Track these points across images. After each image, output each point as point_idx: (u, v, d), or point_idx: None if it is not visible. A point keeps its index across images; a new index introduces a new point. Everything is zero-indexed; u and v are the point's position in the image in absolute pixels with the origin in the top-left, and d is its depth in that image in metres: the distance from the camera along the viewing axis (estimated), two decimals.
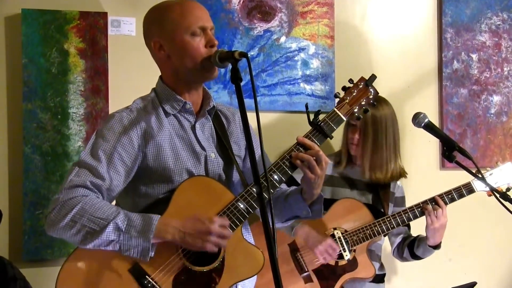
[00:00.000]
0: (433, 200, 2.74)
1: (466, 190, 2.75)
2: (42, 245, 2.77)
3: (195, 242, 1.87)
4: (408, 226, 2.97)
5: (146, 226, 1.85)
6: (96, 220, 1.84)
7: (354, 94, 2.11)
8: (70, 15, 2.84)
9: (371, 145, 2.82)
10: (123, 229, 1.84)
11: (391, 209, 2.93)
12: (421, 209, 2.74)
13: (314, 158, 1.97)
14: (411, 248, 2.91)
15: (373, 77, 2.13)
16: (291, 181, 2.28)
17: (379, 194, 2.92)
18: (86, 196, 1.88)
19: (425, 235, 2.80)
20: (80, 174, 1.91)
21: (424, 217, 2.74)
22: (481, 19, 3.53)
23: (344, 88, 2.13)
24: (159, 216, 1.89)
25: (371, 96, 2.12)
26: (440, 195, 2.74)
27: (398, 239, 2.99)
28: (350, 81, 2.14)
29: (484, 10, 3.53)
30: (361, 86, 2.12)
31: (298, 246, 2.79)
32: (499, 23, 3.56)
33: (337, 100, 2.14)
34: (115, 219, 1.84)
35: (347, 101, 2.10)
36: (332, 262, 2.76)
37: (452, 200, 2.75)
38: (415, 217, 2.76)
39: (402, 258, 3.00)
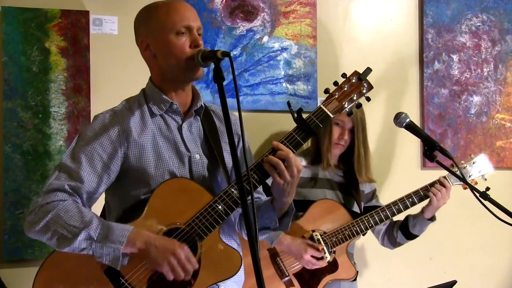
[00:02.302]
0: (437, 182, 2.76)
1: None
2: (23, 245, 2.75)
3: (156, 256, 1.85)
4: None
5: (117, 236, 1.84)
6: (69, 228, 1.84)
7: (345, 89, 2.00)
8: (51, 13, 2.82)
9: (364, 148, 2.88)
10: (95, 238, 1.84)
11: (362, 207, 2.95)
12: (398, 206, 2.77)
13: (284, 161, 1.90)
14: (405, 229, 2.88)
15: (367, 71, 2.02)
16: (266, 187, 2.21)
17: (352, 193, 2.93)
18: (64, 200, 1.87)
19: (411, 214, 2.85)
20: (59, 177, 1.91)
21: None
22: (462, 20, 3.57)
23: (335, 83, 2.03)
24: (133, 227, 1.87)
25: (364, 91, 2.01)
26: (416, 191, 2.78)
27: (384, 227, 2.96)
28: (343, 75, 2.02)
29: (465, 11, 3.57)
30: (353, 81, 2.00)
31: (278, 251, 2.76)
32: (479, 24, 3.60)
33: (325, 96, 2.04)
34: (87, 227, 1.84)
35: (335, 97, 1.99)
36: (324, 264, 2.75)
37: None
38: (393, 214, 2.79)
39: (395, 244, 2.95)
